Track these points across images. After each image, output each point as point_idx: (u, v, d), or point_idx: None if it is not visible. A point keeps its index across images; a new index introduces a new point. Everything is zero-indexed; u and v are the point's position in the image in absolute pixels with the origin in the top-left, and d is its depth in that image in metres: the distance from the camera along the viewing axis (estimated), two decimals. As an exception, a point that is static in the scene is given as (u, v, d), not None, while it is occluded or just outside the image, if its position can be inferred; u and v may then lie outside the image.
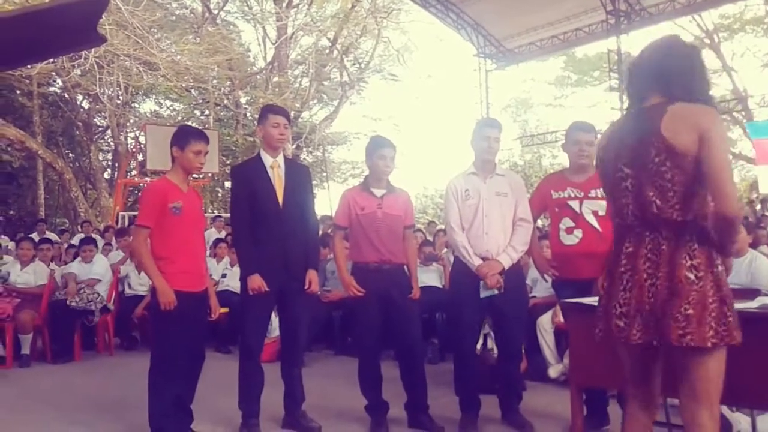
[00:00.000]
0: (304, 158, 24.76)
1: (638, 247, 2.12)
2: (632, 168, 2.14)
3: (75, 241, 10.51)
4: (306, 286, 3.95)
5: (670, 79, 2.15)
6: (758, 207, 14.83)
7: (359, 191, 4.11)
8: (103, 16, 12.95)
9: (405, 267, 4.14)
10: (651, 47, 2.28)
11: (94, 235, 11.32)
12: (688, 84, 2.14)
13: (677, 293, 2.00)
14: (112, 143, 24.22)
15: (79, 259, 7.12)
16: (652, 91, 2.19)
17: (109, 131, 23.65)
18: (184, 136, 3.66)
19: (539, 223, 4.52)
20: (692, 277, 2.00)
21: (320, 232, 8.85)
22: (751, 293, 2.88)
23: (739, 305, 2.52)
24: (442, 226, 7.88)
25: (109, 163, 24.98)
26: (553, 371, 5.07)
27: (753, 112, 22.67)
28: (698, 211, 2.06)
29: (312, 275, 3.97)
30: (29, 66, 15.06)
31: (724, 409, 3.06)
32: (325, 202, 21.59)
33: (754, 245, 5.66)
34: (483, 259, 3.86)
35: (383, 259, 3.97)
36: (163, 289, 3.45)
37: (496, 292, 3.83)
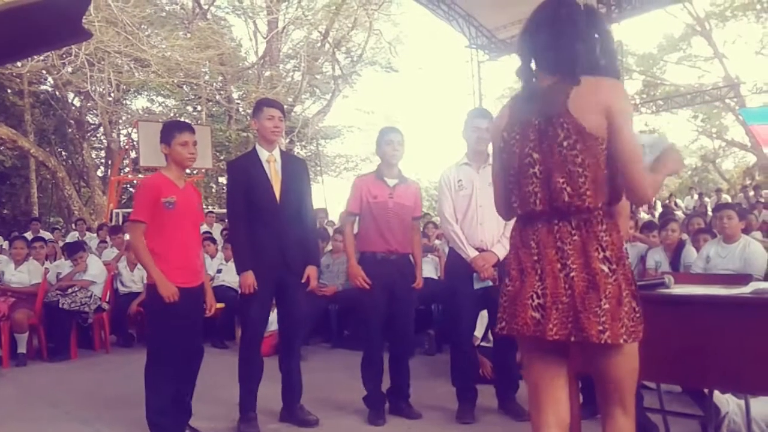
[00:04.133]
0: (298, 152, 24.72)
1: (546, 235, 1.93)
2: (540, 153, 1.92)
3: (69, 239, 10.49)
4: (304, 281, 3.95)
5: (571, 50, 1.92)
6: (751, 193, 14.88)
7: (372, 179, 4.14)
8: (92, 13, 12.83)
9: (410, 256, 4.17)
10: (545, 8, 2.00)
11: (87, 233, 11.34)
12: (593, 56, 1.94)
13: (595, 287, 1.84)
14: (104, 140, 24.15)
15: (70, 263, 7.06)
16: (556, 64, 1.95)
17: (101, 129, 23.58)
18: (169, 131, 3.68)
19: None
20: (606, 269, 1.85)
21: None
22: (744, 279, 2.90)
23: (733, 291, 2.55)
24: (436, 218, 7.89)
25: (102, 160, 24.88)
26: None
27: (745, 98, 22.71)
28: (610, 196, 1.91)
29: (311, 271, 3.98)
30: (18, 64, 15.01)
31: (716, 394, 3.08)
32: (320, 196, 21.60)
33: (746, 231, 5.69)
34: (478, 249, 3.87)
35: (390, 249, 4.00)
36: (162, 282, 3.45)
37: (490, 283, 3.85)
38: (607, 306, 1.81)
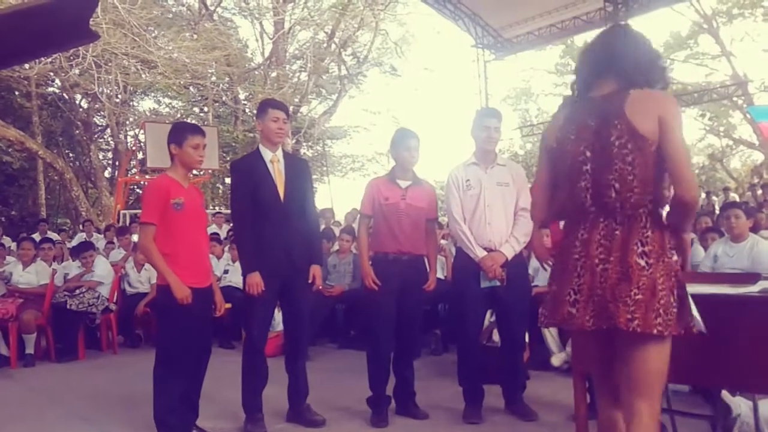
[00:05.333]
0: (304, 153, 24.75)
1: (592, 232, 2.09)
2: (593, 151, 2.10)
3: (76, 240, 10.53)
4: (310, 281, 3.96)
5: (627, 65, 2.14)
6: (759, 192, 14.80)
7: (385, 181, 4.15)
8: (99, 15, 12.87)
9: (424, 258, 4.17)
10: (605, 34, 2.27)
11: (95, 234, 11.38)
12: (646, 71, 2.14)
13: (628, 278, 1.97)
14: (111, 142, 24.24)
15: (79, 263, 7.10)
16: (604, 78, 2.17)
17: (108, 130, 23.67)
18: (181, 132, 3.67)
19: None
20: (643, 263, 1.98)
21: (321, 227, 8.90)
22: (752, 277, 2.88)
23: (741, 290, 2.54)
24: (443, 218, 7.88)
25: (110, 161, 24.99)
26: (556, 360, 5.07)
27: (753, 96, 22.58)
28: (656, 196, 2.04)
29: (316, 270, 3.98)
30: (26, 66, 15.08)
31: (724, 394, 3.07)
32: (326, 196, 21.61)
33: (754, 230, 5.66)
34: (486, 249, 3.87)
35: (402, 250, 4.01)
36: (176, 284, 3.45)
37: (498, 282, 3.84)
38: (639, 296, 1.94)
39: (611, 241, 2.04)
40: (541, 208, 2.40)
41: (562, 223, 3.80)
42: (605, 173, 2.06)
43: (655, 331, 1.92)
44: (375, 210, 4.11)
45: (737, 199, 14.26)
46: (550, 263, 3.99)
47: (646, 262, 1.97)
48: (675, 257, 2.04)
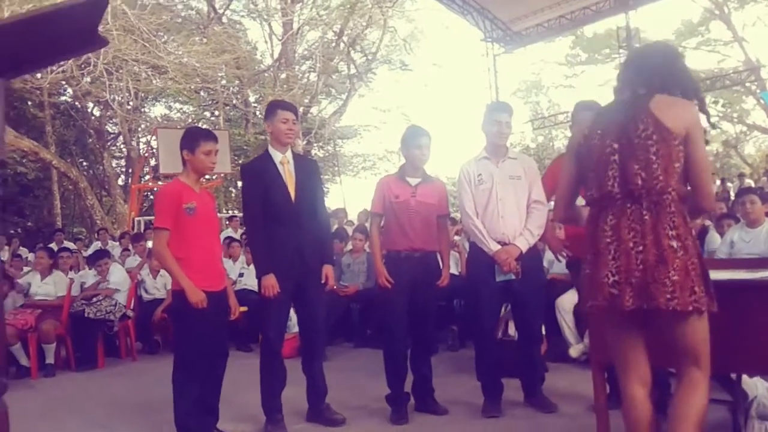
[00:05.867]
0: (315, 153, 24.78)
1: (620, 218, 2.21)
2: (619, 143, 2.24)
3: (92, 249, 10.60)
4: (323, 281, 3.96)
5: (658, 75, 2.30)
6: (775, 177, 14.66)
7: (395, 179, 4.15)
8: (109, 22, 12.91)
9: (437, 253, 4.17)
10: (648, 47, 2.53)
11: (110, 242, 11.46)
12: (677, 82, 2.30)
13: (664, 261, 2.10)
14: (124, 149, 24.41)
15: (95, 272, 7.13)
16: (639, 84, 2.32)
17: (120, 137, 23.84)
18: (193, 138, 3.67)
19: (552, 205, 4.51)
20: (675, 245, 2.11)
21: (335, 227, 8.91)
22: (768, 263, 2.86)
23: (757, 274, 2.52)
24: (456, 215, 7.87)
25: (123, 169, 25.15)
26: (574, 351, 5.05)
27: (766, 81, 22.36)
28: (678, 183, 2.18)
29: (328, 270, 3.99)
30: (38, 76, 15.20)
31: (744, 379, 3.04)
32: (338, 196, 21.64)
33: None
34: (499, 243, 3.85)
35: (414, 247, 4.00)
36: (191, 289, 3.46)
37: (513, 276, 3.83)
38: (676, 277, 2.08)
39: (642, 225, 2.16)
40: (563, 207, 2.54)
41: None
42: (631, 162, 2.20)
43: (690, 308, 2.08)
44: (386, 208, 4.11)
45: (752, 185, 14.13)
46: (565, 254, 4.01)
47: (677, 245, 2.11)
48: (696, 239, 2.19)
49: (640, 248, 2.14)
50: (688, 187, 2.22)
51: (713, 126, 2.40)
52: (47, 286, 6.63)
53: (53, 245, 10.07)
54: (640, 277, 2.13)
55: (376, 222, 4.26)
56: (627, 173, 2.21)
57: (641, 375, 2.30)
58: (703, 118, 2.27)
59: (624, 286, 2.16)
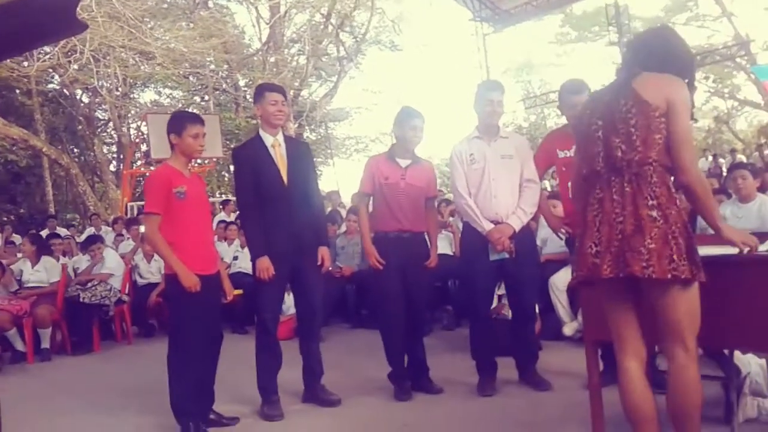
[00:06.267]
0: (307, 136, 24.69)
1: (606, 191, 2.28)
2: (603, 119, 2.32)
3: (85, 235, 10.57)
4: (318, 263, 3.97)
5: (654, 55, 2.36)
6: (766, 152, 14.71)
7: (384, 160, 4.14)
8: (94, 9, 12.77)
9: (425, 234, 4.17)
10: (649, 30, 2.61)
11: (103, 227, 11.43)
12: (673, 63, 2.35)
13: (641, 230, 2.15)
14: (115, 135, 24.26)
15: (88, 257, 7.15)
16: (636, 64, 2.38)
17: (111, 124, 23.67)
18: (180, 122, 3.66)
19: (545, 183, 4.52)
20: (654, 214, 2.15)
21: (328, 209, 8.90)
22: (761, 237, 2.86)
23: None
24: (449, 196, 7.86)
25: (114, 155, 25.03)
26: (568, 329, 5.08)
27: (756, 56, 22.33)
28: (660, 155, 2.21)
29: (324, 252, 4.00)
30: (25, 64, 15.06)
31: (736, 355, 3.06)
32: (331, 179, 21.60)
33: (762, 190, 5.63)
34: (493, 222, 3.86)
35: (403, 228, 4.01)
36: (184, 273, 3.46)
37: (507, 255, 3.84)
38: (652, 246, 2.12)
39: (623, 197, 2.22)
40: (573, 192, 2.66)
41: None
42: (613, 136, 2.27)
43: (669, 276, 2.09)
44: (375, 189, 4.11)
45: (744, 160, 14.18)
46: (563, 231, 4.02)
47: (658, 214, 2.15)
48: (682, 206, 2.20)
49: (621, 219, 2.20)
50: None
51: (693, 105, 2.39)
52: (39, 273, 6.62)
53: (45, 232, 10.04)
54: (618, 246, 2.19)
55: (364, 201, 4.27)
56: (609, 147, 2.28)
57: (635, 349, 2.33)
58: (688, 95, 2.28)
59: (604, 254, 2.22)
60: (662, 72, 2.29)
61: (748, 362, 3.12)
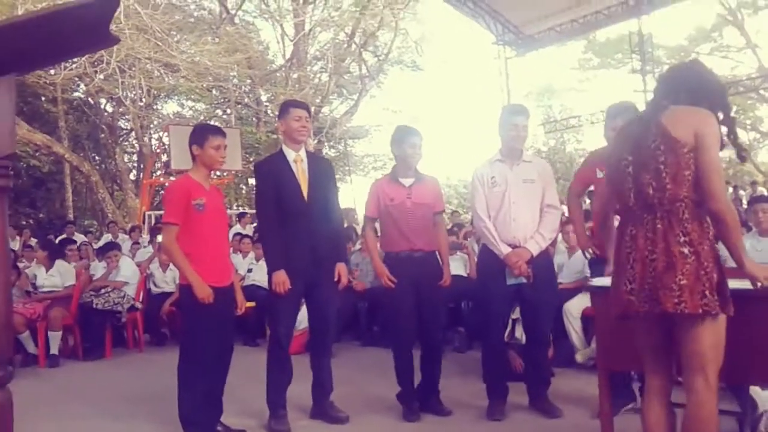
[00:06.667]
0: (326, 153, 24.79)
1: (638, 228, 2.30)
2: (633, 155, 2.35)
3: (102, 242, 10.66)
4: (336, 279, 3.97)
5: (685, 89, 2.38)
6: (788, 186, 14.55)
7: (387, 182, 4.14)
8: (122, 21, 13.00)
9: (436, 253, 4.16)
10: (681, 64, 2.64)
11: (120, 235, 11.53)
12: (704, 96, 2.36)
13: (672, 267, 2.17)
14: (136, 145, 24.49)
15: (104, 264, 7.19)
16: (666, 97, 2.39)
17: (133, 133, 23.92)
18: (202, 133, 3.71)
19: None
20: (686, 251, 2.18)
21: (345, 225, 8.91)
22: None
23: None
24: (467, 216, 7.86)
25: (135, 164, 25.26)
26: (581, 356, 5.03)
27: (780, 89, 22.15)
28: (691, 192, 2.23)
29: (341, 268, 4.00)
30: (52, 72, 15.29)
31: (753, 390, 3.02)
32: (348, 196, 21.64)
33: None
34: (511, 246, 3.84)
35: (414, 247, 4.00)
36: (198, 284, 3.49)
37: (524, 280, 3.81)
38: (684, 282, 2.15)
39: (655, 234, 2.24)
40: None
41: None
42: (643, 173, 2.29)
43: (700, 311, 2.12)
44: (381, 211, 4.11)
45: (765, 193, 14.04)
46: (591, 251, 3.99)
47: (689, 250, 2.17)
48: (714, 241, 2.24)
49: (654, 256, 2.22)
50: None
51: (730, 137, 2.41)
52: (53, 278, 6.67)
53: (63, 237, 10.13)
54: (651, 283, 2.21)
55: (370, 225, 4.28)
56: (640, 184, 2.30)
57: (660, 381, 2.37)
58: (721, 128, 2.31)
59: (639, 292, 2.24)
60: (692, 105, 2.31)
61: (766, 399, 3.07)
